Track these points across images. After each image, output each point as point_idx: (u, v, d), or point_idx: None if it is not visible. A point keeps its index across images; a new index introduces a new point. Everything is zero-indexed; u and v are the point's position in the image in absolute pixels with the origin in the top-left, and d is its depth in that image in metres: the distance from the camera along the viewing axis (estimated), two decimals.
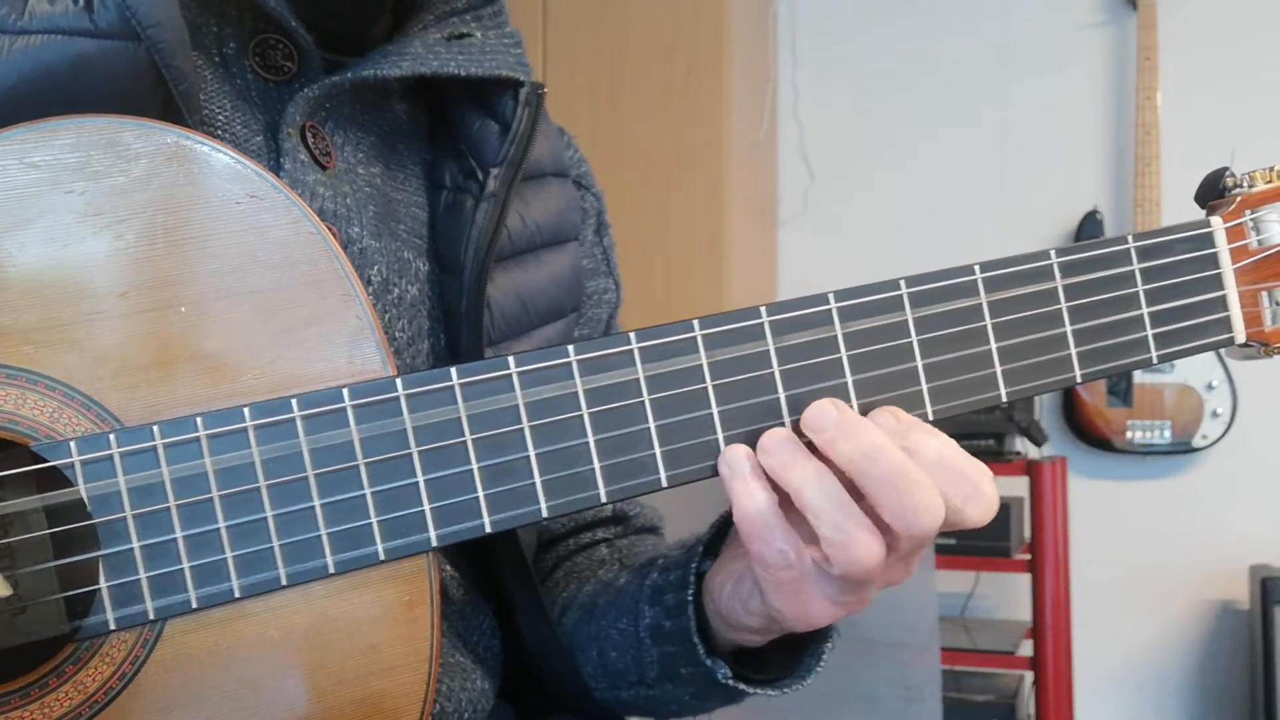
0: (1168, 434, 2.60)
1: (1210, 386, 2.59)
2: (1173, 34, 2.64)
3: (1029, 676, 2.39)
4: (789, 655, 0.65)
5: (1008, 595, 2.75)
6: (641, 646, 0.69)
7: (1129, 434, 2.62)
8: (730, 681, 0.64)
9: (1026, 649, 2.37)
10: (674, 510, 0.90)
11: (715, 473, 0.55)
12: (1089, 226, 2.69)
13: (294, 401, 0.52)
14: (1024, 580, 2.38)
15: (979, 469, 0.54)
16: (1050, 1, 2.78)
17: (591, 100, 2.61)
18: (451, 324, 0.70)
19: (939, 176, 2.84)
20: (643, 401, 0.55)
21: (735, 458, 0.54)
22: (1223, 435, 2.59)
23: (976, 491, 0.53)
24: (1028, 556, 2.34)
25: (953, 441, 0.54)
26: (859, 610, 0.56)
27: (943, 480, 0.52)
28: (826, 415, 0.54)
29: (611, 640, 0.71)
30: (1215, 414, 2.59)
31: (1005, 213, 2.79)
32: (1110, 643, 2.70)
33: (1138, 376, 2.59)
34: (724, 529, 0.66)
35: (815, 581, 0.54)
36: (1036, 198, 2.77)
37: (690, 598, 0.64)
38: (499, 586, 0.74)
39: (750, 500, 0.53)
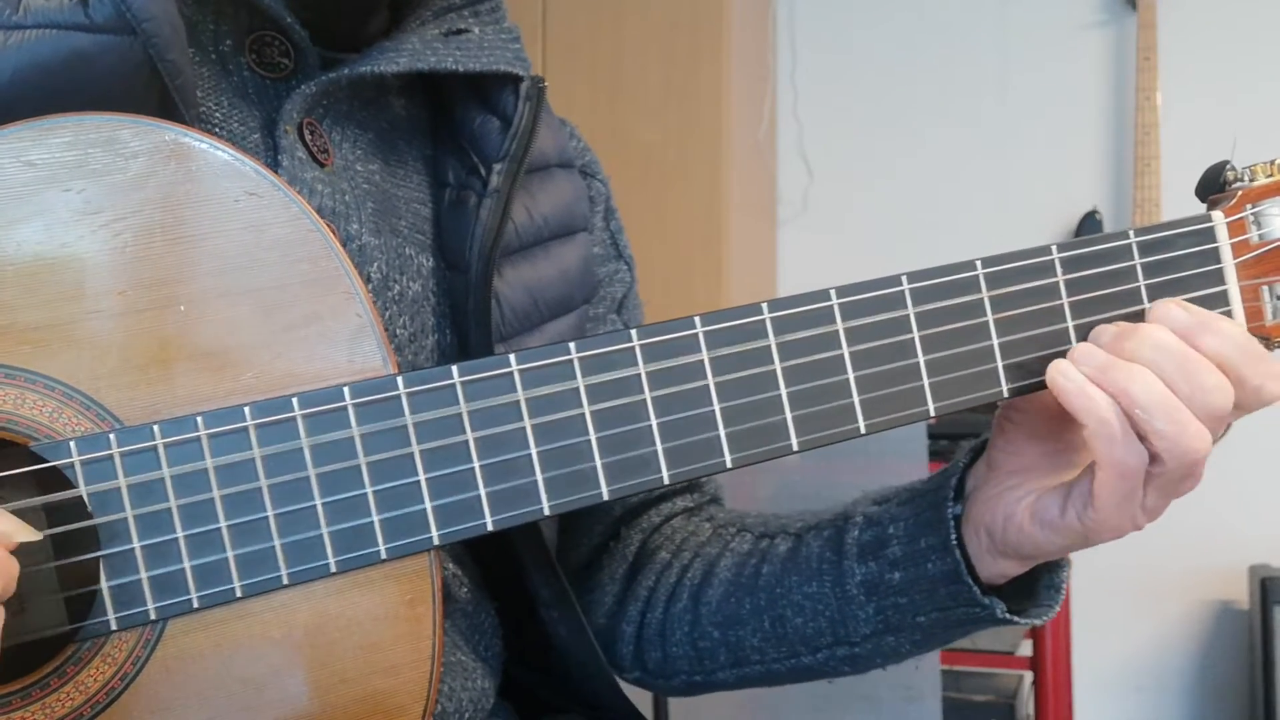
0: None
1: None
2: (1172, 33, 2.63)
3: (1028, 676, 2.39)
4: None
5: None
6: (851, 605, 0.69)
7: None
8: (1007, 615, 0.64)
9: (1026, 649, 2.37)
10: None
11: (719, 469, 0.55)
12: (1088, 226, 2.68)
13: (294, 400, 0.52)
14: None
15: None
16: (1049, 1, 2.78)
17: (591, 99, 2.61)
18: (459, 321, 0.70)
19: (938, 176, 2.83)
20: (644, 398, 0.55)
21: (1070, 370, 0.57)
22: (1222, 434, 2.58)
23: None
24: None
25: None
26: (1148, 523, 0.59)
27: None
28: (1105, 330, 0.58)
29: (795, 606, 0.71)
30: None
31: (1004, 212, 2.78)
32: (1109, 642, 2.70)
33: None
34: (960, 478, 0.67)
35: (1141, 489, 0.57)
36: (1036, 197, 2.76)
37: (955, 541, 0.65)
38: (519, 581, 0.73)
39: (1106, 405, 0.55)
